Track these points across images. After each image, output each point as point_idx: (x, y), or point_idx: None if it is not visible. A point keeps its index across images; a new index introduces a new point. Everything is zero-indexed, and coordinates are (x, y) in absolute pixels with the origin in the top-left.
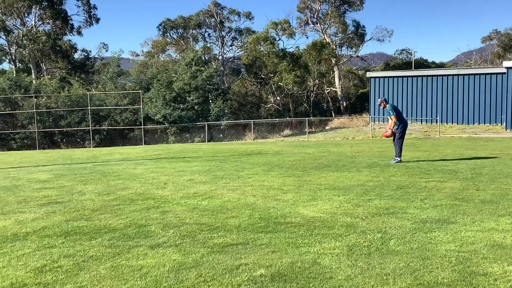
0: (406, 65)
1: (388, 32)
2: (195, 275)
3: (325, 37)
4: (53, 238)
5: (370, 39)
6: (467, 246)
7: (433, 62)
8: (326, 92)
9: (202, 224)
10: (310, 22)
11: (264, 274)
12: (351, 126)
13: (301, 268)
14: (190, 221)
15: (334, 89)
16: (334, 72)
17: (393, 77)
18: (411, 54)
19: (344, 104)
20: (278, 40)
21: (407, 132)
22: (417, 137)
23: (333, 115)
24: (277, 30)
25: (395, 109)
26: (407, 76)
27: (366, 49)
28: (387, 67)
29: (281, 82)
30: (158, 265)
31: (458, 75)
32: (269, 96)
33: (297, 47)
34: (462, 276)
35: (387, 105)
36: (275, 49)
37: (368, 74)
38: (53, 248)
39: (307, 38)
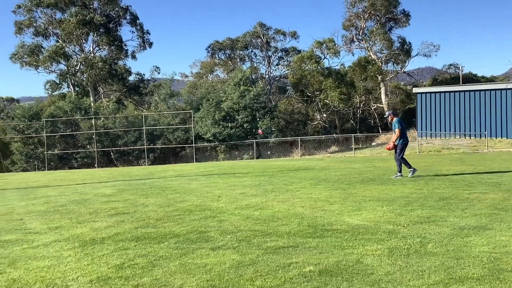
0: (455, 80)
1: (434, 47)
2: (252, 271)
3: (371, 54)
4: (126, 242)
5: (416, 54)
6: (500, 248)
7: (482, 77)
8: (372, 108)
9: (255, 230)
10: (355, 40)
11: (313, 270)
12: None
13: (345, 265)
14: (245, 228)
15: (380, 105)
16: (380, 88)
17: (440, 92)
18: (459, 69)
19: None
20: (323, 58)
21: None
22: (465, 151)
23: (380, 131)
24: (321, 49)
25: (400, 124)
26: (454, 91)
27: (414, 64)
28: (435, 82)
29: (327, 100)
30: (220, 263)
31: (507, 89)
32: (315, 114)
33: (341, 64)
34: (491, 272)
35: (394, 119)
36: (320, 67)
37: (415, 90)
38: (128, 250)
39: (353, 55)
